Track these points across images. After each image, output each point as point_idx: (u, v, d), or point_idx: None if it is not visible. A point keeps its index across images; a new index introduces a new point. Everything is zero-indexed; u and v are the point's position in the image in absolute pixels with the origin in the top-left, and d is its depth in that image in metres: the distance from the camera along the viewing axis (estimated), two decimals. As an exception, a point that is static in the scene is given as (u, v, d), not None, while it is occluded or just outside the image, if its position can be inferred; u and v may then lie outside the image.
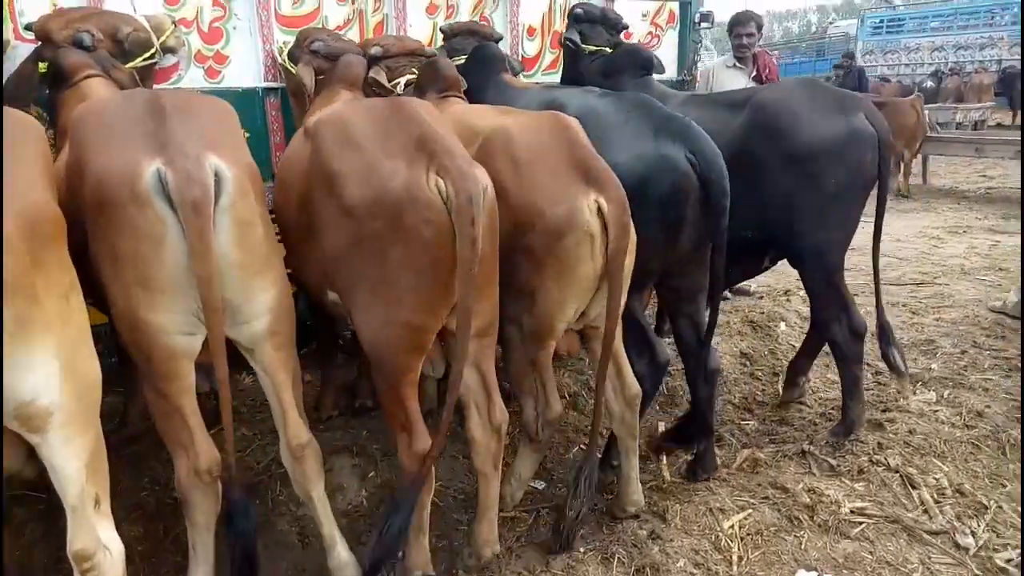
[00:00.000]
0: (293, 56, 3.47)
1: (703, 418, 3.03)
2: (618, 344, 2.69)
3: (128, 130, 2.01)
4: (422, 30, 4.10)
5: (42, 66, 2.83)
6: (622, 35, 4.17)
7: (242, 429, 3.37)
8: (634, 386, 2.77)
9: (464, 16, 4.23)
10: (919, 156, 10.80)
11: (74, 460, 1.78)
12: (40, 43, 2.93)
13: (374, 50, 3.41)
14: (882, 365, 4.12)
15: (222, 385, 2.04)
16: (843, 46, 28.27)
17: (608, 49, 4.01)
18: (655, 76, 3.95)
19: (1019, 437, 3.40)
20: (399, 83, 3.45)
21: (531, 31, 4.45)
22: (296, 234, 2.58)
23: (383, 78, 3.33)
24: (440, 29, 4.02)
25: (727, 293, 5.13)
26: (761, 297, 5.45)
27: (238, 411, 3.47)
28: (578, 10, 4.08)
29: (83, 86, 2.75)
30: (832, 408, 3.73)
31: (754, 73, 5.17)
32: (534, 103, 3.22)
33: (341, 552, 2.46)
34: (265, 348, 2.19)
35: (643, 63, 3.90)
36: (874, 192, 3.23)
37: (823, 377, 4.08)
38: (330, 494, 2.90)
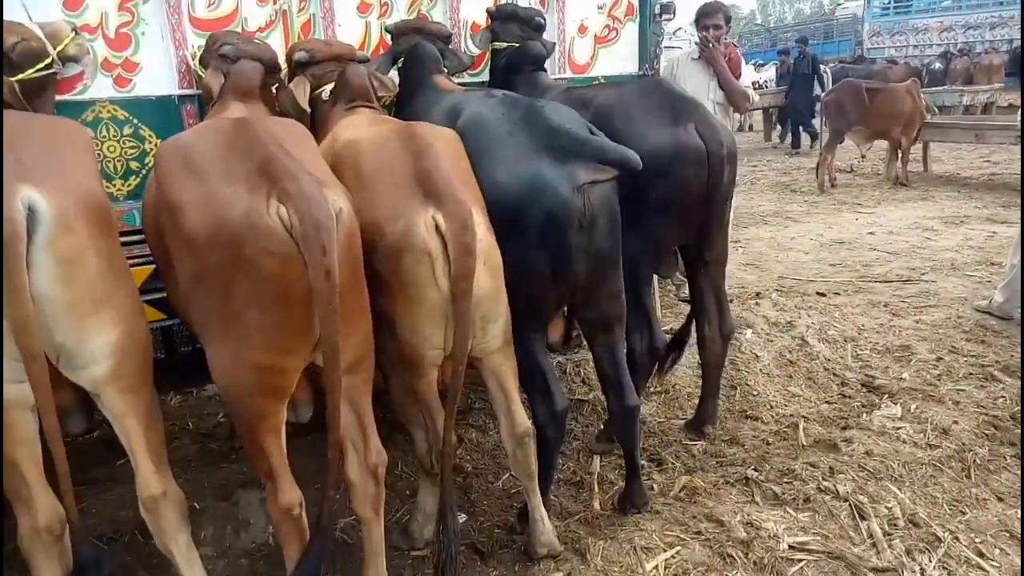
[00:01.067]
0: (204, 61, 3.27)
1: (630, 459, 2.87)
2: (507, 378, 2.50)
3: None
4: (353, 31, 3.87)
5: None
6: (540, 32, 3.98)
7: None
8: (523, 423, 2.55)
9: (400, 15, 4.00)
10: (918, 143, 10.43)
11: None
12: None
13: (299, 55, 3.19)
14: (849, 375, 3.92)
15: (51, 439, 1.85)
16: (851, 27, 27.71)
17: (516, 45, 3.87)
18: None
19: (986, 456, 3.16)
20: (324, 90, 3.24)
21: (475, 27, 4.21)
22: (160, 265, 2.39)
23: (302, 91, 3.09)
24: (385, 28, 3.81)
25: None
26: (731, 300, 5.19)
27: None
28: (493, 8, 3.95)
29: None
30: (788, 426, 3.50)
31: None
32: (444, 108, 3.08)
33: None
34: (109, 393, 2.00)
35: (532, 60, 3.80)
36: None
37: (783, 391, 3.85)
38: (235, 530, 2.81)
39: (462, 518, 2.91)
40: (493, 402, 2.58)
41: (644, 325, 3.15)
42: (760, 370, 4.03)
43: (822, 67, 14.16)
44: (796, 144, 14.38)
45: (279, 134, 2.10)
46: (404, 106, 3.56)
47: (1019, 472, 3.03)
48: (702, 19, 4.92)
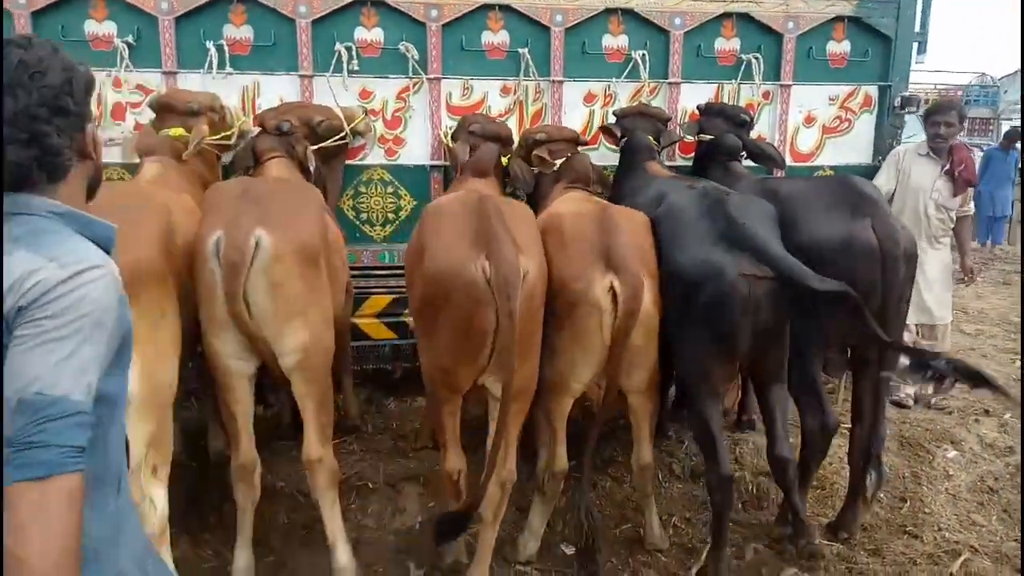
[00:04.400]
0: (455, 136, 4.13)
1: (792, 503, 3.10)
2: (643, 416, 3.06)
3: (224, 205, 2.76)
4: (578, 118, 4.50)
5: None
6: (744, 127, 4.25)
7: (355, 444, 4.05)
8: (646, 458, 3.09)
9: (623, 104, 4.53)
10: None
11: (141, 437, 2.51)
12: (259, 129, 3.93)
13: (539, 136, 3.95)
14: None
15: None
16: None
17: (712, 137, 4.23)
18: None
19: None
20: (556, 164, 3.89)
21: (693, 117, 4.58)
22: (408, 287, 3.22)
23: (546, 155, 3.84)
24: (613, 112, 4.40)
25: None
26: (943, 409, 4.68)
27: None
28: (700, 105, 4.42)
29: (266, 165, 3.68)
30: (947, 552, 3.21)
31: (947, 167, 4.57)
32: (650, 192, 3.55)
33: (341, 556, 2.89)
34: (296, 378, 2.79)
35: (728, 151, 4.12)
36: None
37: (963, 517, 3.49)
38: (393, 512, 3.47)
39: (570, 549, 3.25)
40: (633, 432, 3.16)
41: (817, 407, 3.19)
42: (946, 490, 3.70)
43: None
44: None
45: (504, 210, 2.81)
46: (619, 184, 4.12)
47: None
48: (933, 115, 4.67)
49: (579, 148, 4.01)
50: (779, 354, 3.02)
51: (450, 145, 4.12)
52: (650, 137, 4.17)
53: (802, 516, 3.11)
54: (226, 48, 4.05)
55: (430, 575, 3.08)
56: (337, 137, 4.03)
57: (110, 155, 4.02)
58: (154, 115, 3.66)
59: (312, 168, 3.78)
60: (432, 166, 4.43)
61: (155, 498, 2.56)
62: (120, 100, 4.03)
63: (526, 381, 2.80)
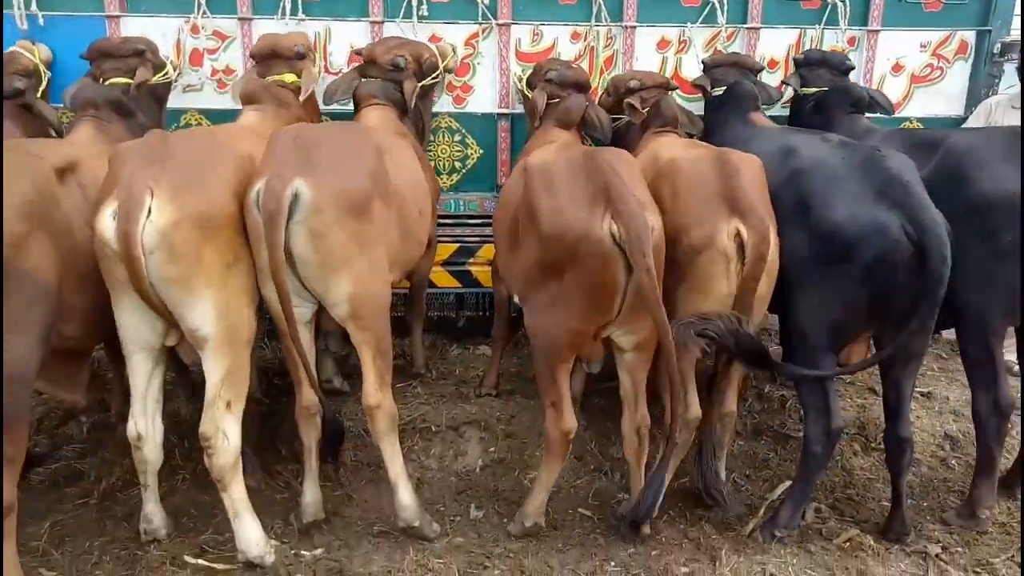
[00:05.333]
0: (531, 83, 4.04)
1: (895, 487, 3.02)
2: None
3: (275, 152, 2.73)
4: (650, 66, 4.35)
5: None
6: (848, 75, 4.06)
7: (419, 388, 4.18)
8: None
9: (697, 51, 4.37)
10: None
11: (217, 372, 2.67)
12: (364, 63, 3.84)
13: (632, 83, 3.83)
14: None
15: (296, 347, 2.79)
16: None
17: (827, 89, 4.01)
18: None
19: None
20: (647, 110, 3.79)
21: (772, 64, 4.39)
22: (503, 245, 3.24)
23: (637, 103, 3.72)
24: (702, 60, 4.24)
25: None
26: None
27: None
28: (799, 56, 4.19)
29: (365, 112, 3.65)
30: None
31: (1045, 119, 4.25)
32: (771, 145, 3.36)
33: (403, 495, 2.97)
34: (350, 326, 2.82)
35: (853, 101, 3.91)
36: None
37: None
38: (452, 457, 3.59)
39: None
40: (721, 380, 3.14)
41: (992, 381, 3.02)
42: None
43: None
44: None
45: (615, 164, 2.73)
46: (715, 135, 3.86)
47: None
48: None
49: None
50: (925, 325, 2.78)
51: (525, 92, 4.05)
52: (754, 87, 4.00)
53: (904, 507, 3.02)
54: (299, -7, 4.07)
55: (489, 517, 3.18)
56: (436, 74, 3.99)
57: (188, 100, 4.14)
58: (255, 62, 3.68)
59: (412, 108, 3.78)
60: (500, 114, 4.39)
61: (228, 431, 2.71)
62: (197, 47, 4.12)
63: (649, 335, 2.79)
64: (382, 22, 4.17)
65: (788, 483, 3.27)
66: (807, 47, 4.36)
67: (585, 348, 2.85)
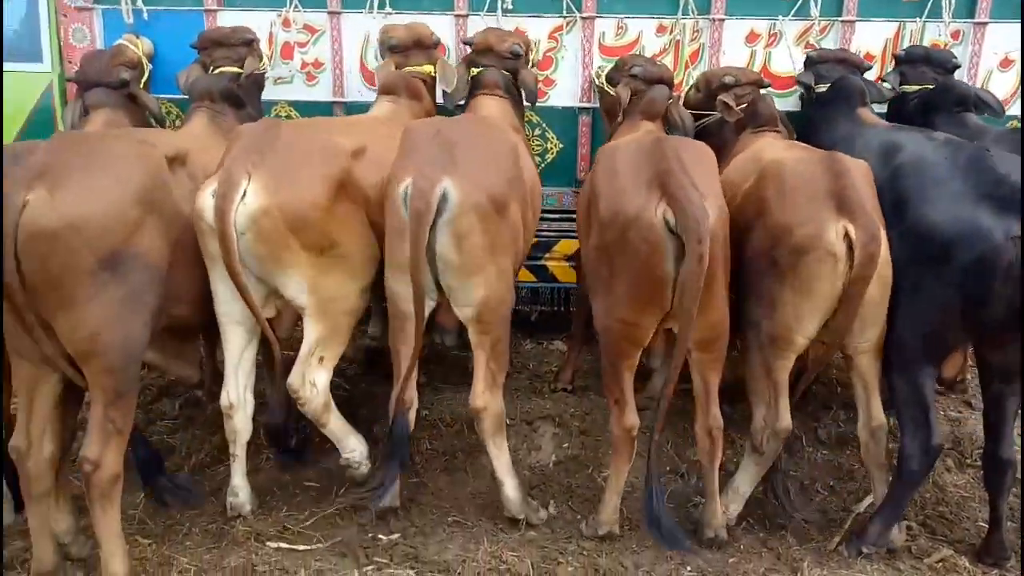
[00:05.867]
0: (612, 79, 3.98)
1: (993, 508, 2.87)
2: (871, 378, 2.89)
3: (416, 148, 2.80)
4: (738, 60, 4.24)
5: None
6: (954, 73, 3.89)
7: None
8: (879, 418, 2.90)
9: (788, 45, 4.23)
10: None
11: (313, 334, 2.89)
12: (474, 52, 3.84)
13: (727, 79, 3.76)
14: None
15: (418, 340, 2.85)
16: None
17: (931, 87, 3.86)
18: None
19: None
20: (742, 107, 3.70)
21: (868, 58, 4.21)
22: (580, 233, 3.25)
23: (731, 101, 3.65)
24: (807, 55, 4.10)
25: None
26: None
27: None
28: (901, 52, 4.02)
29: (479, 100, 3.68)
30: None
31: None
32: (873, 142, 3.31)
33: (509, 489, 3.02)
34: (471, 328, 2.86)
35: (958, 99, 3.74)
36: None
37: None
38: (527, 450, 3.58)
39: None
40: (856, 398, 2.98)
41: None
42: None
43: None
44: None
45: (682, 153, 2.71)
46: (820, 133, 3.77)
47: None
48: None
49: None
50: None
51: (605, 87, 4.00)
52: (862, 83, 3.85)
53: (1004, 529, 2.87)
54: (387, -13, 4.14)
55: (563, 513, 3.18)
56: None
57: (279, 92, 4.26)
58: (391, 51, 3.73)
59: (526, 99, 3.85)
60: (581, 108, 4.36)
61: (316, 381, 2.91)
62: (288, 40, 4.23)
63: (717, 329, 2.75)
64: (467, 15, 4.19)
65: (872, 497, 3.13)
66: (907, 42, 4.17)
67: (644, 343, 2.78)
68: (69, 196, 2.37)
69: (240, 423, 2.98)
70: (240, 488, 3.05)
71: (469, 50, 3.92)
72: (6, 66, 4.32)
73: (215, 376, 3.98)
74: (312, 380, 2.89)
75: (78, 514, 2.82)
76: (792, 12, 4.14)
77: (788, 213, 2.75)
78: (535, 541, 2.97)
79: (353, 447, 3.11)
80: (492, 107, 3.62)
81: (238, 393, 2.96)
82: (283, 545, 2.90)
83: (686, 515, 3.16)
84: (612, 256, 2.68)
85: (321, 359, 2.91)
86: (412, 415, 3.01)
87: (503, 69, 3.75)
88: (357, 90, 4.32)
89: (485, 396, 2.91)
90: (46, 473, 2.57)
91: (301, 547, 2.90)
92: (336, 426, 3.05)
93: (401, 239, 2.73)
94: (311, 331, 2.88)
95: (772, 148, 3.25)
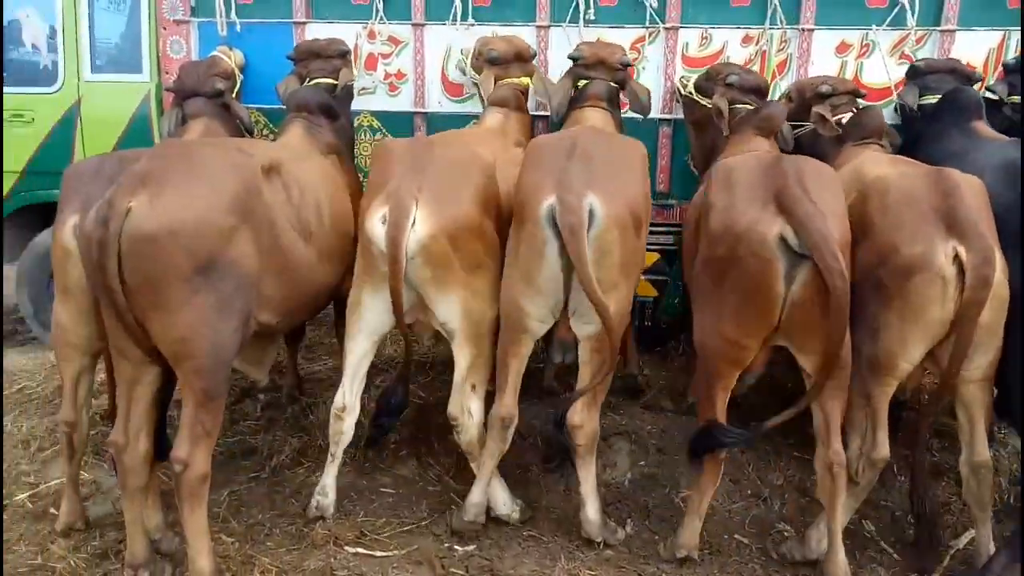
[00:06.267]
0: (703, 89, 3.86)
1: None
2: (977, 409, 2.72)
3: (552, 162, 2.78)
4: (827, 71, 4.10)
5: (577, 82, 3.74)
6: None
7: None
8: (983, 455, 2.74)
9: (881, 55, 4.08)
10: None
11: (464, 360, 2.94)
12: (582, 65, 3.76)
13: (823, 88, 3.64)
14: None
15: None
16: None
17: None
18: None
19: None
20: (840, 119, 3.58)
21: (969, 67, 4.01)
22: (686, 247, 3.21)
23: (827, 113, 3.53)
24: (913, 65, 3.92)
25: None
26: None
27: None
28: (1011, 60, 3.81)
29: (584, 112, 3.63)
30: None
31: None
32: (995, 157, 3.14)
33: (590, 510, 2.97)
34: (586, 344, 2.85)
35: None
36: None
37: None
38: (602, 467, 3.54)
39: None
40: (959, 429, 2.82)
41: None
42: None
43: None
44: None
45: (803, 171, 2.62)
46: (927, 147, 3.56)
47: None
48: None
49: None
50: None
51: (695, 97, 3.89)
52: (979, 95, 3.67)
53: None
54: (470, 0, 4.17)
55: (639, 532, 3.11)
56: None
57: (361, 103, 4.33)
58: (490, 63, 3.74)
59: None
60: (661, 119, 4.30)
61: (472, 409, 2.97)
62: (373, 51, 4.32)
63: (842, 355, 2.60)
64: (548, 26, 4.19)
65: (973, 532, 2.96)
66: (1012, 51, 3.96)
67: (744, 363, 2.70)
68: (168, 202, 2.46)
69: (348, 426, 3.04)
70: (329, 489, 3.09)
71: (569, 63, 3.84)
72: (108, 76, 4.57)
73: (297, 380, 4.09)
74: (468, 408, 2.95)
75: (166, 511, 2.91)
76: (887, 22, 4.00)
77: (894, 232, 2.64)
78: (612, 561, 2.92)
79: (497, 498, 3.08)
80: (597, 119, 3.58)
81: (352, 397, 3.02)
82: (361, 550, 2.93)
83: (771, 541, 3.05)
84: (720, 271, 2.63)
85: (473, 386, 2.96)
86: (510, 434, 2.99)
87: (612, 81, 3.72)
88: (437, 101, 4.37)
89: (583, 414, 2.90)
90: (141, 468, 2.66)
91: (379, 553, 2.93)
92: (488, 466, 3.01)
93: (539, 256, 2.73)
94: (462, 357, 2.93)
95: (875, 162, 3.11)
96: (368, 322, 2.96)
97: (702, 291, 2.77)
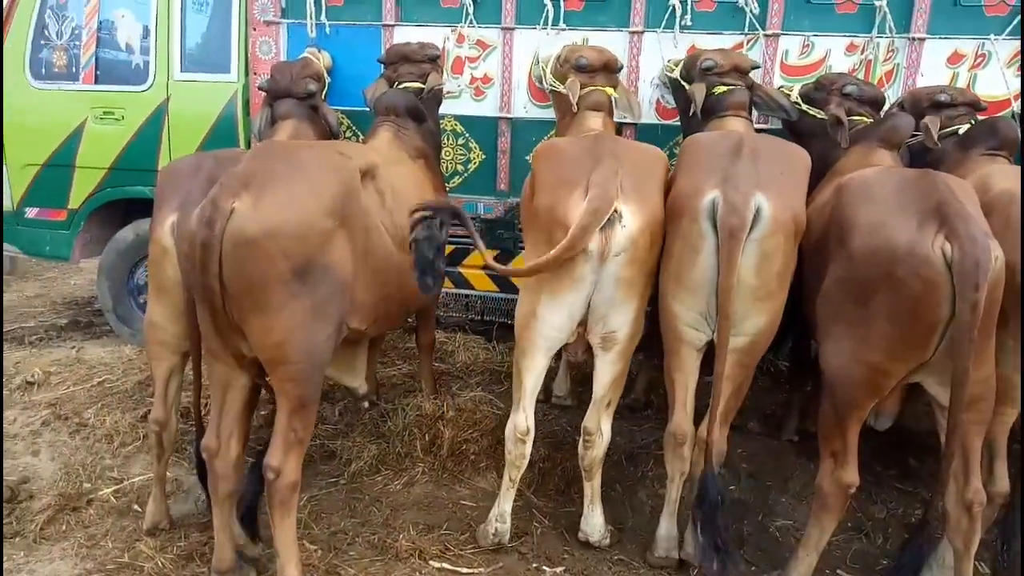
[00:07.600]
0: (813, 99, 3.60)
1: None
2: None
3: (714, 160, 2.69)
4: (937, 82, 3.88)
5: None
6: None
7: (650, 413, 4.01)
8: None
9: (999, 65, 3.84)
10: None
11: (608, 375, 2.83)
12: (715, 73, 3.53)
13: (942, 97, 3.39)
14: None
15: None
16: None
17: None
18: None
19: None
20: (955, 129, 3.36)
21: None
22: (808, 264, 2.87)
23: (935, 127, 3.27)
24: None
25: None
26: None
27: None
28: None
29: (726, 120, 3.41)
30: None
31: None
32: None
33: (663, 527, 2.89)
34: (733, 358, 2.64)
35: None
36: None
37: None
38: (689, 490, 3.35)
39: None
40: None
41: None
42: None
43: None
44: None
45: (953, 186, 2.46)
46: None
47: None
48: None
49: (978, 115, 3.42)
50: None
51: (802, 107, 3.66)
52: None
53: None
54: (561, 4, 4.08)
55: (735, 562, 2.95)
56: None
57: (446, 107, 4.26)
58: (578, 70, 3.61)
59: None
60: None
61: (604, 428, 2.89)
62: (460, 55, 4.26)
63: (984, 387, 2.40)
64: (642, 32, 4.07)
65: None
66: None
67: (884, 393, 2.49)
68: (269, 204, 2.41)
69: (530, 449, 2.93)
70: (507, 516, 2.96)
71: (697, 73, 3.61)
72: (194, 76, 4.61)
73: (376, 385, 4.05)
74: (602, 427, 2.88)
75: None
76: (1006, 32, 3.76)
77: (1017, 251, 2.43)
78: (708, 591, 2.77)
79: (595, 524, 3.00)
80: (741, 129, 3.33)
81: (532, 419, 2.90)
82: (446, 566, 2.85)
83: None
84: (870, 295, 2.40)
85: (609, 403, 2.88)
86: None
87: (749, 88, 3.56)
88: (523, 106, 4.29)
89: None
90: (232, 474, 2.62)
91: (464, 570, 2.84)
92: (598, 486, 2.98)
93: (694, 255, 2.61)
94: (608, 372, 2.82)
95: (1003, 176, 2.90)
96: (548, 333, 2.80)
97: (841, 314, 2.52)
